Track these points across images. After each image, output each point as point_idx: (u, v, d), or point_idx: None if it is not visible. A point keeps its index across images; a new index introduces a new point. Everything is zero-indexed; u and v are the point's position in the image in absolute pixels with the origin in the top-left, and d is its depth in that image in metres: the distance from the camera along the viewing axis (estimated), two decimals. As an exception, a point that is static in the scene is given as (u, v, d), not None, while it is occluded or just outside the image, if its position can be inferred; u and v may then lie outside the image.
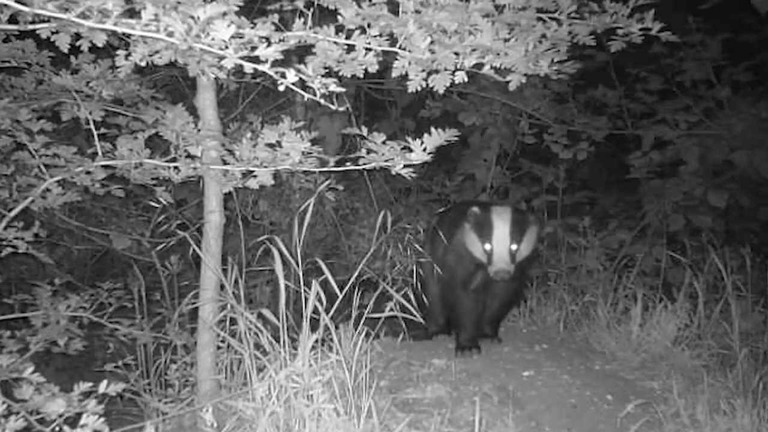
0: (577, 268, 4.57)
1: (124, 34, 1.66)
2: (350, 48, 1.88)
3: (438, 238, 3.73)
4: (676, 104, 5.11)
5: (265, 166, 2.40)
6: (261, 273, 3.88)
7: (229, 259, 2.92)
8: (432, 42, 1.89)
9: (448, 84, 2.00)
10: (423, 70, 1.98)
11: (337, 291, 2.84)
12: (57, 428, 1.85)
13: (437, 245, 3.75)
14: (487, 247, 3.30)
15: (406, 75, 1.98)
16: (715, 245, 4.25)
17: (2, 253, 2.67)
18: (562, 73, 2.13)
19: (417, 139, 2.15)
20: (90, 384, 1.90)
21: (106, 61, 2.50)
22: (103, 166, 2.50)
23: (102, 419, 1.84)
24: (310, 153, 2.39)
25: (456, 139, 2.16)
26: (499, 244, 3.29)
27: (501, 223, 3.30)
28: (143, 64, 1.86)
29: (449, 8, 1.86)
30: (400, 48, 1.90)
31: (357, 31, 1.85)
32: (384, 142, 2.22)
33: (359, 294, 3.07)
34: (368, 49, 1.87)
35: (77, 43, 1.92)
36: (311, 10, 1.87)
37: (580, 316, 4.07)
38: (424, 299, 3.74)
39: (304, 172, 2.64)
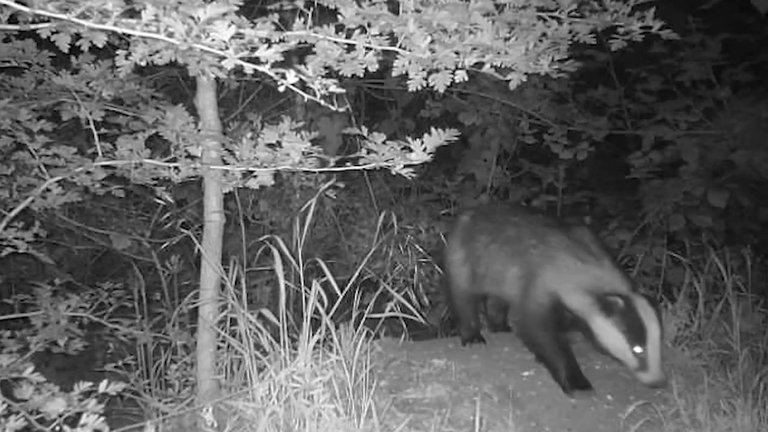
0: (578, 268, 4.56)
1: (124, 34, 1.66)
2: (350, 47, 1.88)
3: (473, 240, 3.50)
4: (676, 104, 5.11)
5: (265, 166, 2.40)
6: (261, 273, 3.88)
7: (231, 258, 2.92)
8: (432, 41, 1.89)
9: (448, 83, 2.00)
10: (423, 70, 1.98)
11: (338, 291, 2.84)
12: (57, 428, 1.84)
13: (473, 247, 3.50)
14: (638, 350, 2.89)
15: (407, 74, 1.98)
16: (715, 245, 4.25)
17: (2, 253, 2.67)
18: (562, 72, 2.13)
19: (417, 139, 2.15)
20: (90, 384, 1.90)
21: (106, 61, 2.50)
22: (103, 166, 2.50)
23: (102, 419, 1.83)
24: (310, 153, 2.39)
25: (456, 139, 2.16)
26: (654, 349, 2.89)
27: (654, 325, 2.90)
28: (143, 64, 1.86)
29: (449, 7, 1.86)
30: (400, 47, 1.90)
31: (357, 31, 1.85)
32: (384, 142, 2.22)
33: (360, 294, 3.07)
34: (368, 49, 1.87)
35: (77, 43, 1.92)
36: (311, 9, 1.86)
37: (581, 316, 4.06)
38: (450, 304, 3.64)
39: (305, 172, 2.64)
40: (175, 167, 2.51)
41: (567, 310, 3.05)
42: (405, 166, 2.24)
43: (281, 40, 1.75)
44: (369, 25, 1.86)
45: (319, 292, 2.77)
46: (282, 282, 2.77)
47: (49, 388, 1.92)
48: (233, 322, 2.86)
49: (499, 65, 2.00)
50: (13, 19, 2.02)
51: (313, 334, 2.68)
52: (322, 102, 1.82)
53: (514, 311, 3.48)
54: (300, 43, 1.83)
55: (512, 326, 3.68)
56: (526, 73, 2.07)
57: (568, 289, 3.04)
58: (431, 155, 2.18)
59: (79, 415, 1.84)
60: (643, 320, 2.88)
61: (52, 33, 1.89)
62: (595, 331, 2.99)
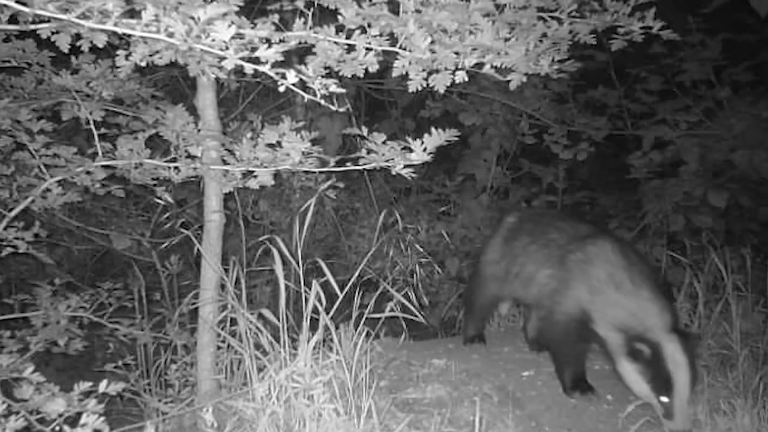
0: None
1: (124, 34, 1.66)
2: (350, 48, 1.88)
3: (515, 240, 3.46)
4: (676, 104, 5.11)
5: (266, 167, 2.40)
6: (261, 273, 3.89)
7: (231, 258, 2.93)
8: (432, 42, 1.89)
9: (448, 84, 2.00)
10: (423, 70, 1.98)
11: (338, 291, 2.84)
12: (57, 428, 1.85)
13: (513, 246, 3.46)
14: (664, 399, 2.76)
15: (407, 75, 1.98)
16: (715, 245, 4.24)
17: (2, 253, 2.67)
18: (562, 73, 2.13)
19: (417, 140, 2.15)
20: (90, 384, 1.90)
21: (107, 61, 2.51)
22: (103, 166, 2.50)
23: (102, 419, 1.83)
24: (310, 153, 2.39)
25: (456, 139, 2.16)
26: (681, 400, 2.74)
27: (682, 375, 2.73)
28: (143, 64, 1.86)
29: (450, 8, 1.86)
30: (400, 48, 1.90)
31: (357, 31, 1.85)
32: (384, 142, 2.22)
33: (360, 294, 3.07)
34: (368, 49, 1.87)
35: (77, 43, 1.92)
36: (311, 10, 1.86)
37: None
38: (469, 300, 3.66)
39: (305, 172, 2.64)
40: (175, 167, 2.51)
41: (595, 335, 2.98)
42: (405, 166, 2.24)
43: (281, 41, 1.75)
44: (369, 26, 1.85)
45: (318, 292, 2.77)
46: (282, 282, 2.77)
47: (49, 388, 1.92)
48: (233, 322, 2.87)
49: (499, 66, 1.99)
50: (13, 19, 2.02)
51: (313, 334, 2.68)
52: (322, 102, 1.82)
53: (539, 313, 3.39)
54: (300, 43, 1.83)
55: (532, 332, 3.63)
56: (526, 74, 2.07)
57: (599, 316, 2.94)
58: (431, 155, 2.18)
59: (79, 415, 1.85)
60: (670, 371, 2.74)
61: (52, 33, 1.89)
62: (620, 372, 2.91)
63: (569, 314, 3.06)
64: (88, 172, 2.53)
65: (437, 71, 1.99)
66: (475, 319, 3.73)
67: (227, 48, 1.62)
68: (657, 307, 2.89)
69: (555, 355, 3.24)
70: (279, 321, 2.76)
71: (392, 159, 2.22)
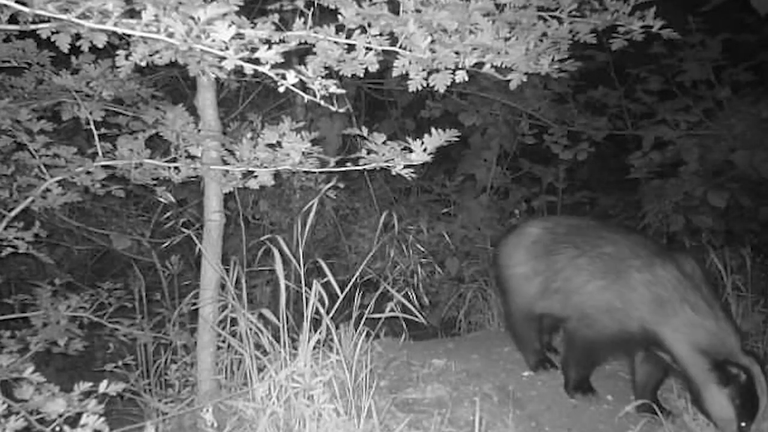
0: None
1: (124, 34, 1.66)
2: (351, 47, 1.88)
3: (553, 254, 3.22)
4: (676, 104, 5.11)
5: (265, 166, 2.40)
6: (261, 273, 3.88)
7: (231, 258, 2.93)
8: (432, 41, 1.89)
9: (448, 83, 2.00)
10: (423, 70, 1.98)
11: (338, 291, 2.84)
12: (57, 428, 1.84)
13: (553, 260, 3.21)
14: (743, 425, 2.71)
15: (407, 74, 1.98)
16: (715, 245, 4.25)
17: (2, 253, 2.67)
18: (562, 72, 2.12)
19: (417, 140, 2.15)
20: (90, 384, 1.90)
21: (106, 61, 2.51)
22: (103, 166, 2.50)
23: (102, 419, 1.83)
24: (310, 153, 2.39)
25: (456, 139, 2.15)
26: (758, 423, 2.73)
27: (765, 399, 2.72)
28: (143, 64, 1.85)
29: (450, 7, 1.86)
30: (400, 47, 1.90)
31: (357, 31, 1.85)
32: (384, 143, 2.22)
33: (360, 294, 3.07)
34: (369, 49, 1.87)
35: (77, 43, 1.92)
36: (311, 9, 1.86)
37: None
38: (512, 328, 3.46)
39: (305, 172, 2.64)
40: (175, 167, 2.51)
41: (668, 354, 2.87)
42: (405, 167, 2.24)
43: (281, 41, 1.75)
44: (369, 25, 1.85)
45: (320, 292, 2.77)
46: (282, 282, 2.77)
47: (49, 388, 1.92)
48: (233, 322, 2.87)
49: (499, 65, 1.99)
50: (13, 19, 2.02)
51: (313, 334, 2.68)
52: (322, 102, 1.82)
53: (574, 321, 3.16)
54: (300, 43, 1.83)
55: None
56: (526, 73, 2.07)
57: (677, 338, 2.83)
58: (431, 155, 2.18)
59: (79, 415, 1.84)
60: (759, 397, 2.69)
61: (52, 33, 1.89)
62: (704, 396, 2.78)
63: (627, 331, 2.95)
64: (88, 172, 2.53)
65: (437, 71, 1.98)
66: (527, 342, 3.43)
67: (227, 48, 1.62)
68: (732, 327, 2.83)
69: (575, 356, 3.15)
70: (279, 321, 2.76)
71: (392, 159, 2.22)
